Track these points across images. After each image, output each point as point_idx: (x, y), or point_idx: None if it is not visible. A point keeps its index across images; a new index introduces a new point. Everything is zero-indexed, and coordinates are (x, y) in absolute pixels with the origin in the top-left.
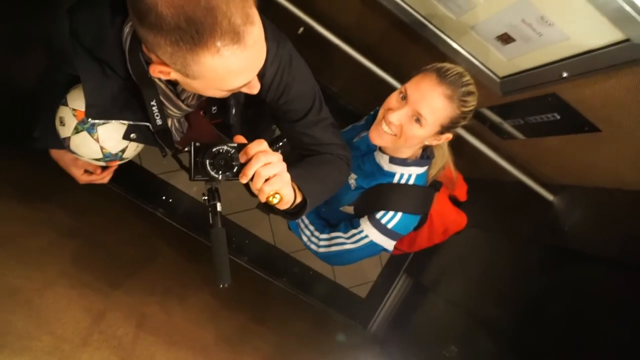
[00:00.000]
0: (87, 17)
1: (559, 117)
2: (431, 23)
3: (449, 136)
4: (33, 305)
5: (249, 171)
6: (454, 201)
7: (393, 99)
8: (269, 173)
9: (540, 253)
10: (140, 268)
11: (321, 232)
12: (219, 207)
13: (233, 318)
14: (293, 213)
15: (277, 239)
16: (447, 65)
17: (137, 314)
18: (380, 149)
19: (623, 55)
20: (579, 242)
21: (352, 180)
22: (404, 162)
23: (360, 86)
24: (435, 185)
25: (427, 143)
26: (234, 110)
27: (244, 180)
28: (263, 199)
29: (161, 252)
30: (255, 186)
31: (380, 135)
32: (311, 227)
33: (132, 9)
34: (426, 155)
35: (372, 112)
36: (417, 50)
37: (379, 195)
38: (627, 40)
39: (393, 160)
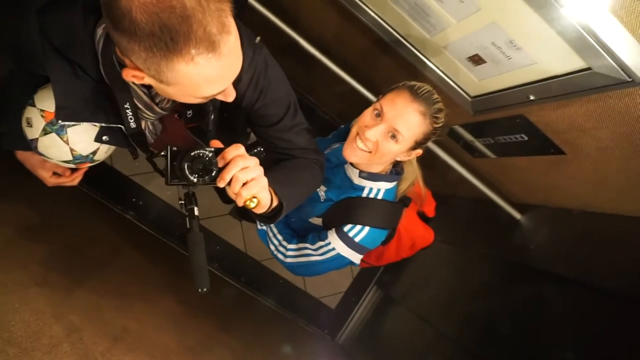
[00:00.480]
0: (58, 17)
1: (526, 138)
2: (407, 40)
3: (419, 152)
4: None
5: (227, 175)
6: (423, 217)
7: (367, 116)
8: (246, 177)
9: (506, 270)
10: (102, 271)
11: (289, 242)
12: (196, 212)
13: (198, 325)
14: (269, 217)
15: (248, 246)
16: (417, 83)
17: (94, 318)
18: (351, 163)
19: (585, 83)
20: (543, 261)
21: (322, 192)
22: (373, 177)
23: (335, 96)
24: (404, 201)
25: (398, 159)
26: (212, 116)
27: (221, 185)
28: (240, 203)
29: (126, 254)
30: (233, 190)
31: (354, 152)
32: (279, 237)
33: (107, 13)
34: (395, 170)
35: (342, 126)
36: (392, 65)
37: (348, 208)
38: (588, 68)
39: (362, 174)
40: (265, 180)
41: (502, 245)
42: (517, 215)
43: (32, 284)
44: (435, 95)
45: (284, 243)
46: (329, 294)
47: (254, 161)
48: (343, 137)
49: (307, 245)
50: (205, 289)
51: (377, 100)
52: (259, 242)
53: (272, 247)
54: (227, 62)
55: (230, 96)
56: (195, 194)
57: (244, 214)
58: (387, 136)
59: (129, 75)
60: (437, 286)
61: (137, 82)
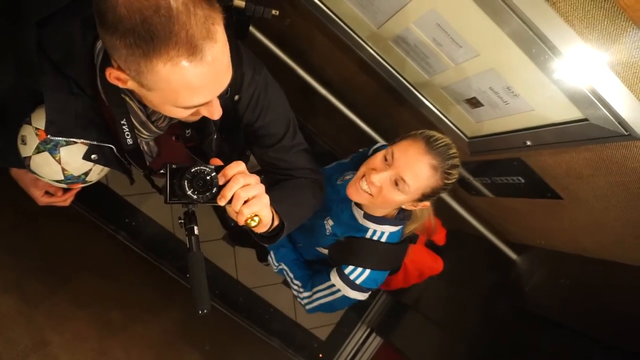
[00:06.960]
0: (57, 32)
1: (523, 180)
2: (403, 77)
3: (426, 204)
4: None
5: (228, 193)
6: (433, 246)
7: (378, 160)
8: (248, 195)
9: (500, 311)
10: (83, 294)
11: (305, 289)
12: (196, 231)
13: (183, 357)
14: (269, 237)
15: (240, 273)
16: (436, 134)
17: (71, 347)
18: (356, 203)
19: (582, 133)
20: (538, 305)
21: (329, 225)
22: (377, 220)
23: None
24: (411, 238)
25: (404, 207)
26: (215, 136)
27: (222, 203)
28: (242, 222)
29: (114, 277)
30: (235, 208)
31: (358, 192)
32: (297, 282)
33: (95, 8)
34: (401, 215)
35: (360, 150)
36: (388, 99)
37: (350, 248)
38: (585, 119)
39: (367, 216)
40: (267, 198)
41: (497, 285)
42: (513, 255)
43: (13, 311)
44: (453, 150)
45: (301, 290)
46: (320, 325)
47: (255, 179)
48: (359, 164)
49: (318, 287)
50: (205, 310)
51: (392, 144)
52: (251, 268)
53: (295, 292)
54: (210, 71)
55: (215, 113)
56: (195, 212)
57: (237, 239)
58: (393, 184)
59: (111, 76)
60: (428, 325)
61: (120, 85)
